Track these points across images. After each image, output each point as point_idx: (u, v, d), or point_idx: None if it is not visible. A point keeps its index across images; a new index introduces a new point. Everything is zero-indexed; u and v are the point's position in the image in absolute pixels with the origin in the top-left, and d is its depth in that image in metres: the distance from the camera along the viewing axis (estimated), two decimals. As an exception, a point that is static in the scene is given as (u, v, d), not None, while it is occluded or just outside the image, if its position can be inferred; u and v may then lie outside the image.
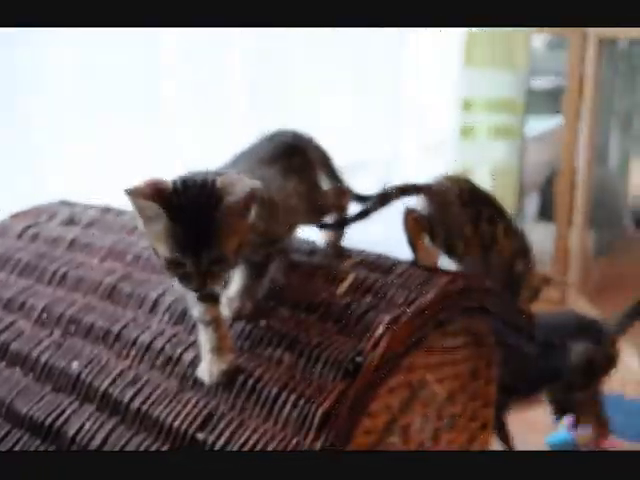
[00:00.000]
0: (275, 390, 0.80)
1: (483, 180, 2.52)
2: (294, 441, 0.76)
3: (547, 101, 3.05)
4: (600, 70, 2.45)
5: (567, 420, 1.47)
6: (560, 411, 1.54)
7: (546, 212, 2.99)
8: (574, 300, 2.61)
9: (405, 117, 2.21)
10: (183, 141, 1.64)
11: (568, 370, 1.51)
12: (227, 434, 0.79)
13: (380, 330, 0.81)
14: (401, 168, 2.10)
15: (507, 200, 2.58)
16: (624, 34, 2.47)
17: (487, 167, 2.50)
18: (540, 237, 2.81)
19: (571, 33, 2.47)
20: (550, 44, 3.25)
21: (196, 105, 1.66)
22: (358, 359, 0.79)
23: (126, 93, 1.57)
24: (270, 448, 0.76)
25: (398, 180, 1.13)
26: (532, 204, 3.26)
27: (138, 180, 0.77)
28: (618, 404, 2.01)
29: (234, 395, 0.82)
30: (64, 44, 1.47)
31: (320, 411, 0.76)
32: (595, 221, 2.71)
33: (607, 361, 1.55)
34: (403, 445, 0.96)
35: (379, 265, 0.95)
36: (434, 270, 0.97)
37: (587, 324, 1.57)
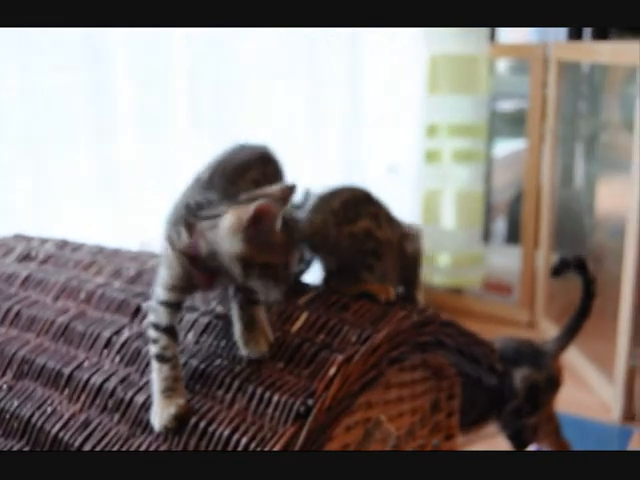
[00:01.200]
0: (227, 433, 0.79)
1: (449, 203, 2.54)
2: (245, 487, 0.74)
3: (513, 124, 3.08)
4: (561, 93, 2.49)
5: (533, 448, 1.47)
6: (518, 443, 1.55)
7: (513, 234, 3.01)
8: (541, 322, 2.62)
9: (369, 142, 2.21)
10: (130, 160, 1.62)
11: (513, 397, 1.52)
12: (177, 480, 0.77)
13: (332, 370, 0.81)
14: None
15: (474, 223, 2.60)
16: (585, 58, 2.51)
17: (452, 190, 2.52)
18: (508, 260, 2.84)
19: (532, 57, 2.50)
20: (513, 68, 3.29)
21: (143, 125, 1.63)
22: (309, 401, 0.78)
23: (72, 117, 1.55)
24: (221, 494, 0.75)
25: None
26: (501, 226, 3.29)
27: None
28: (584, 427, 2.02)
29: (185, 439, 0.80)
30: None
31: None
32: (561, 243, 2.73)
33: (550, 383, 1.56)
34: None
35: (335, 301, 0.95)
36: (391, 304, 0.97)
37: (526, 348, 1.57)
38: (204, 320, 0.93)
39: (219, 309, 0.95)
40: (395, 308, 0.95)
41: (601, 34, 2.98)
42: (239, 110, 1.77)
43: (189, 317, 0.94)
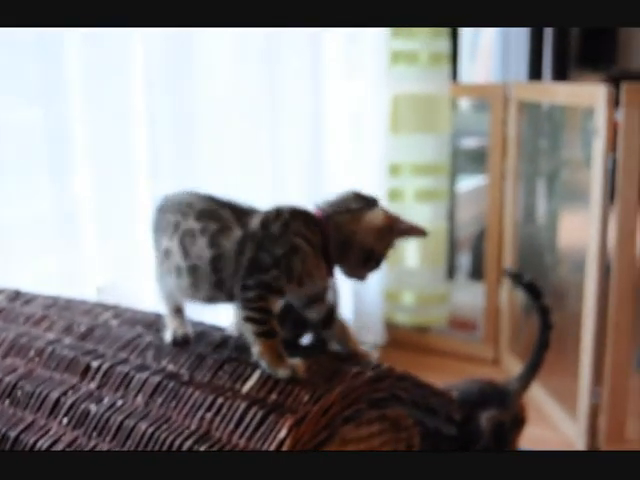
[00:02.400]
0: (174, 501, 0.77)
1: (412, 242, 2.54)
2: None
3: (475, 161, 3.12)
4: (521, 131, 2.52)
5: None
6: None
7: (477, 270, 3.03)
8: (506, 359, 2.63)
9: (331, 183, 2.22)
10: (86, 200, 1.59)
11: (479, 439, 1.51)
12: None
13: (283, 433, 0.80)
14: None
15: (438, 261, 2.61)
16: (544, 98, 2.55)
17: (416, 230, 2.52)
18: (472, 296, 2.85)
19: (493, 97, 2.54)
20: (475, 107, 3.34)
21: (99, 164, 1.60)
22: (259, 466, 0.77)
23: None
24: None
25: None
26: (465, 262, 3.31)
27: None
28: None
29: (132, 507, 0.78)
30: None
31: (219, 525, 0.73)
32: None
33: (515, 422, 1.56)
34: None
35: (287, 358, 0.94)
36: (344, 359, 0.96)
37: (491, 389, 1.58)
38: (155, 380, 0.91)
39: (170, 367, 0.93)
40: (348, 363, 0.94)
41: (561, 75, 3.05)
42: (198, 149, 1.76)
43: (139, 376, 0.92)
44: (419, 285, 2.57)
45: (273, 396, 0.86)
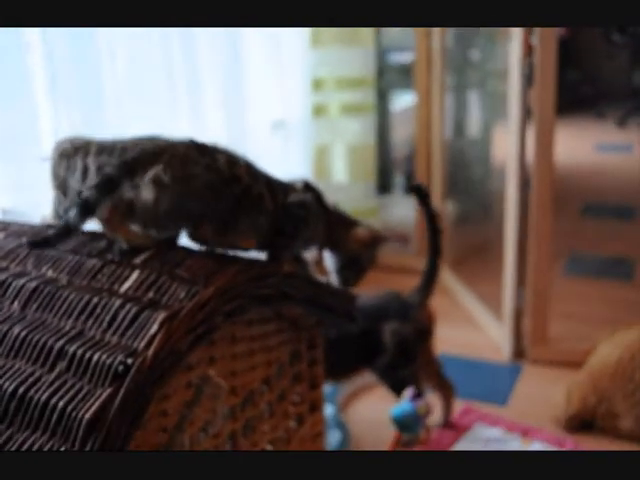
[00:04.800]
0: (44, 398, 0.77)
1: (340, 157, 2.54)
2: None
3: (406, 76, 3.09)
4: (446, 43, 2.50)
5: (409, 391, 1.50)
6: (396, 389, 1.58)
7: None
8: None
9: (252, 98, 2.18)
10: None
11: (383, 351, 1.54)
12: (-5, 449, 0.76)
13: (154, 328, 0.80)
14: (250, 148, 2.07)
15: (367, 176, 2.61)
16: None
17: (342, 143, 2.52)
18: (405, 211, 2.87)
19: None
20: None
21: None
22: (128, 360, 0.77)
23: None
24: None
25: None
26: (400, 179, 3.32)
27: None
28: (477, 367, 2.09)
29: (3, 407, 0.78)
30: None
31: (86, 417, 0.73)
32: (456, 192, 2.78)
33: (420, 334, 1.59)
34: (206, 440, 0.95)
35: (169, 259, 0.93)
36: (229, 258, 0.96)
37: (393, 303, 1.60)
38: (31, 285, 0.90)
39: (50, 273, 0.92)
40: (232, 262, 0.94)
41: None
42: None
43: (16, 283, 0.91)
44: (348, 200, 2.57)
45: (150, 294, 0.86)
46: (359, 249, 1.15)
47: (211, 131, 1.93)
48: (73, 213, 0.89)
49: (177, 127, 1.84)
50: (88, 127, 1.62)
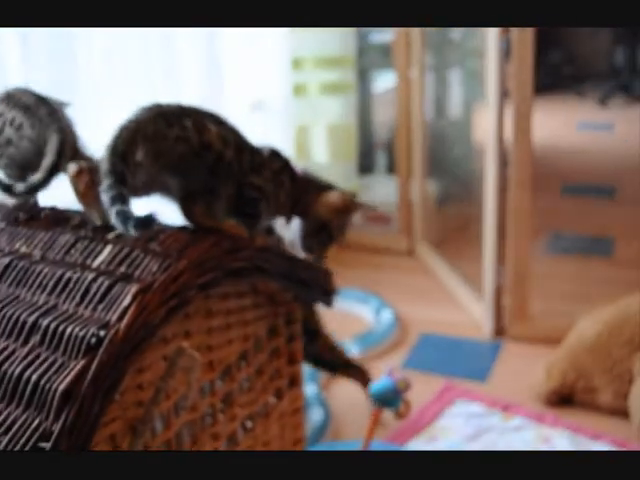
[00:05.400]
0: (18, 371, 0.77)
1: (320, 137, 2.54)
2: (35, 423, 0.73)
3: (388, 56, 3.09)
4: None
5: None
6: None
7: (392, 167, 3.05)
8: (419, 248, 2.69)
9: (230, 78, 2.17)
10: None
11: None
12: (-31, 423, 0.76)
13: (127, 300, 0.80)
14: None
15: (348, 156, 2.61)
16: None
17: (323, 124, 2.51)
18: (387, 190, 2.88)
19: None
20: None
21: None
22: (101, 333, 0.77)
23: None
24: (12, 433, 0.73)
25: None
26: (382, 159, 3.32)
27: None
28: (458, 345, 2.11)
29: (-22, 381, 0.78)
30: None
31: (60, 389, 0.74)
32: (437, 172, 2.78)
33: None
34: (184, 415, 0.96)
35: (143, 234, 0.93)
36: (203, 233, 0.96)
37: None
38: (5, 261, 0.90)
39: (23, 249, 0.92)
40: (205, 236, 0.94)
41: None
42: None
43: (-11, 259, 0.91)
44: (329, 180, 2.57)
45: (122, 268, 0.86)
46: (329, 215, 1.08)
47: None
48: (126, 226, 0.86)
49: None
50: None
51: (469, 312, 2.28)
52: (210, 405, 1.03)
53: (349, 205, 1.09)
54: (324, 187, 1.10)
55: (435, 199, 2.77)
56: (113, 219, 0.86)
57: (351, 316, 2.26)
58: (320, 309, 1.39)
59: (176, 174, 0.94)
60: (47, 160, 0.98)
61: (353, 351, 1.99)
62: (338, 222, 1.09)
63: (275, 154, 1.08)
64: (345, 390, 1.83)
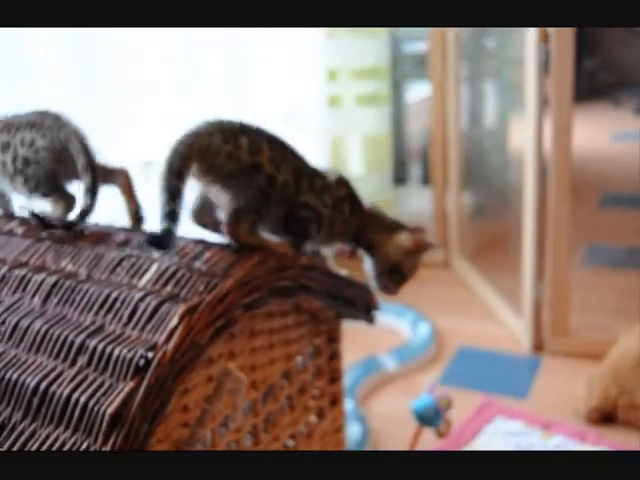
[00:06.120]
0: (67, 392, 0.77)
1: (356, 148, 2.52)
2: (83, 446, 0.73)
3: (422, 67, 3.07)
4: (461, 31, 2.48)
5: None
6: None
7: (427, 177, 3.03)
8: (455, 261, 2.66)
9: (265, 89, 2.17)
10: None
11: None
12: (18, 446, 0.75)
13: (174, 321, 0.79)
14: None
15: (383, 167, 2.60)
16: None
17: (358, 135, 2.50)
18: (421, 201, 2.86)
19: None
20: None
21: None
22: (149, 354, 0.76)
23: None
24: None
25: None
26: (417, 170, 3.30)
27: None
28: (497, 359, 2.07)
29: (26, 403, 0.78)
30: None
31: (108, 412, 0.73)
32: (472, 183, 2.75)
33: None
34: (227, 435, 0.95)
35: (187, 252, 0.93)
36: (248, 251, 0.95)
37: None
38: (52, 280, 0.90)
39: (69, 267, 0.92)
40: (251, 254, 0.93)
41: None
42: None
43: (36, 278, 0.90)
44: (364, 191, 2.55)
45: (168, 288, 0.85)
46: (401, 256, 1.09)
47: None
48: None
49: (181, 117, 1.83)
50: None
51: (507, 326, 2.25)
52: (252, 425, 1.02)
53: (420, 246, 1.10)
54: (393, 228, 1.09)
55: (471, 211, 2.73)
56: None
57: (388, 330, 2.23)
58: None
59: (225, 189, 0.94)
60: (81, 161, 1.01)
61: (390, 365, 1.97)
62: (410, 263, 1.10)
63: (342, 182, 1.08)
64: (383, 405, 1.82)
